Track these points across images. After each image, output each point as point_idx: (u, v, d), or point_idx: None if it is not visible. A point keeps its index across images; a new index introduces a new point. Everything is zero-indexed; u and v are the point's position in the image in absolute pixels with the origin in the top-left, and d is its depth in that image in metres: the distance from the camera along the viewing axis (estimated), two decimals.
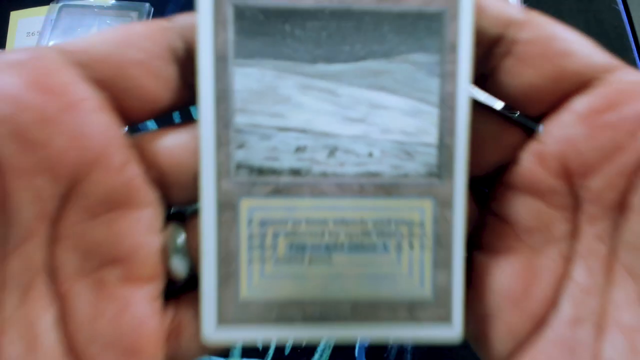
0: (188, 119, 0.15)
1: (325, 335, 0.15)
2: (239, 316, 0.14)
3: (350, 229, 0.14)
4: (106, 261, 0.14)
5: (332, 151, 0.14)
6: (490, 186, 0.16)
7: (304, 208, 0.14)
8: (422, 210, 0.14)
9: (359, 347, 0.29)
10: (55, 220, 0.13)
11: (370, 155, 0.14)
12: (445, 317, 0.15)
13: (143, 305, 0.14)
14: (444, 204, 0.14)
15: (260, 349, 0.27)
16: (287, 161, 0.14)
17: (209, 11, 0.13)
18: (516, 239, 0.15)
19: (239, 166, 0.14)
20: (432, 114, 0.14)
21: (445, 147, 0.14)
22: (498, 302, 0.15)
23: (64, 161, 0.13)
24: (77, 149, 0.13)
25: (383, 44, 0.14)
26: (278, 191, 0.14)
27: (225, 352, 0.27)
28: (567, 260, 0.15)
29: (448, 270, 0.15)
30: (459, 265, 0.15)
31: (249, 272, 0.14)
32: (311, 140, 0.14)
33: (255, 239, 0.14)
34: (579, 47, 0.14)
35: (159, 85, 0.14)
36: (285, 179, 0.14)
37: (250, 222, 0.14)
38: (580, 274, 0.15)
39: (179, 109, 0.15)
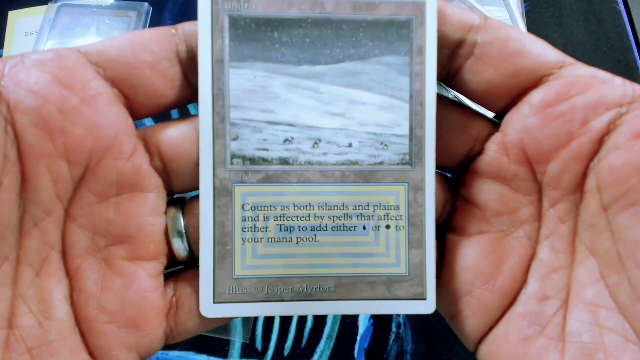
0: (186, 116, 0.16)
1: (312, 311, 0.16)
2: (234, 293, 0.16)
3: (333, 212, 0.16)
4: (114, 240, 0.15)
5: (316, 142, 0.16)
6: (461, 175, 0.17)
7: (292, 193, 0.16)
8: (397, 194, 0.16)
9: (359, 348, 0.29)
10: (70, 201, 0.15)
11: (350, 145, 0.16)
12: (420, 293, 0.16)
13: (147, 281, 0.16)
14: (416, 189, 0.16)
15: (260, 349, 0.28)
16: (277, 151, 0.16)
17: (208, 21, 0.15)
18: (486, 223, 0.16)
19: (234, 156, 0.16)
20: (403, 109, 0.16)
21: (416, 138, 0.16)
22: (471, 280, 0.16)
23: (81, 148, 0.15)
24: (92, 137, 0.15)
25: (359, 48, 0.16)
26: (268, 178, 0.16)
27: (225, 352, 0.27)
28: (533, 241, 0.16)
29: (422, 249, 0.16)
30: (432, 244, 0.16)
31: (242, 251, 0.16)
32: (298, 133, 0.16)
33: (248, 221, 0.16)
34: (532, 47, 0.15)
35: (165, 83, 0.15)
36: (275, 168, 0.16)
37: (243, 206, 0.16)
38: (545, 254, 0.16)
39: (181, 106, 0.16)
